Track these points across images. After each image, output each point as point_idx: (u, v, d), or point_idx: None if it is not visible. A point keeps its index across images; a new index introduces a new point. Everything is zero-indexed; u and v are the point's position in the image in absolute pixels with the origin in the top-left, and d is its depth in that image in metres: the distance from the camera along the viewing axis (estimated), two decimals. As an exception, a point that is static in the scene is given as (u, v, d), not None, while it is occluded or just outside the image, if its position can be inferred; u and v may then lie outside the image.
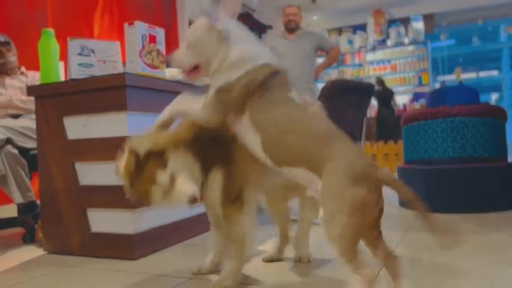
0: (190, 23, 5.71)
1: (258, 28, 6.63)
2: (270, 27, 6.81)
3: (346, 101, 2.39)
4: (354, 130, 2.53)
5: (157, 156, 1.21)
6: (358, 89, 2.43)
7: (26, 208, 2.30)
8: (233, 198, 1.30)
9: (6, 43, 2.65)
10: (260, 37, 6.91)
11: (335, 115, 2.44)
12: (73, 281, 1.59)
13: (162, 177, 1.20)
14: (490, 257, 1.65)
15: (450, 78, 9.74)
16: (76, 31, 3.86)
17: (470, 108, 2.62)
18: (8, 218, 2.56)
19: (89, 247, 1.91)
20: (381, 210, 1.12)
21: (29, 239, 2.30)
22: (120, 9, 4.55)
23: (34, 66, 3.08)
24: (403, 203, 2.83)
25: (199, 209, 1.91)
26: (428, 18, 8.24)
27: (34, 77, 2.76)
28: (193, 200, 1.21)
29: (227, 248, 1.45)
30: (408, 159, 2.88)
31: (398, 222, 2.43)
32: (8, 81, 2.69)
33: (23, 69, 2.81)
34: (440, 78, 9.66)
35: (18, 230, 2.49)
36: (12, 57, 2.69)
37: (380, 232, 1.16)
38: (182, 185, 1.21)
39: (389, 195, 3.36)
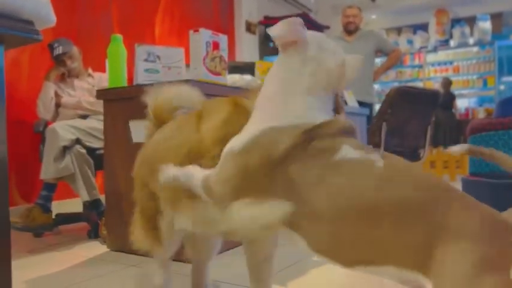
0: (247, 24, 5.75)
1: (315, 29, 6.54)
2: (327, 27, 6.71)
3: (410, 109, 2.29)
4: (419, 139, 2.43)
5: None
6: (423, 97, 2.32)
7: (91, 205, 2.41)
8: None
9: (65, 53, 2.74)
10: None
11: (399, 123, 2.36)
12: (137, 280, 1.64)
13: None
14: None
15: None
16: (139, 34, 4.01)
17: (547, 120, 2.42)
18: (74, 213, 2.70)
19: (150, 248, 1.97)
20: None
21: (93, 234, 2.42)
22: (180, 13, 4.67)
23: (100, 67, 3.24)
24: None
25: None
26: (496, 17, 7.75)
27: (100, 78, 2.89)
28: None
29: None
30: (475, 171, 2.71)
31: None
32: (77, 83, 2.84)
33: (90, 70, 2.94)
34: (505, 79, 9.08)
35: (83, 225, 2.62)
36: (74, 64, 2.80)
37: None
38: None
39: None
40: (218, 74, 1.99)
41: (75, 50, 2.81)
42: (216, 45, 1.98)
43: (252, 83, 2.19)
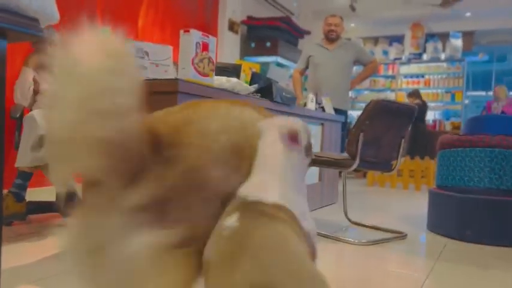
0: (230, 23, 5.76)
1: (296, 33, 6.63)
2: (308, 32, 6.80)
3: (388, 122, 2.39)
4: (392, 151, 2.53)
5: None
6: (401, 111, 2.42)
7: (67, 196, 2.38)
8: None
9: (47, 40, 2.69)
10: (297, 42, 6.91)
11: (375, 135, 2.46)
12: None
13: None
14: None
15: (481, 94, 9.55)
16: (122, 26, 3.95)
17: (511, 140, 2.58)
18: (46, 202, 2.66)
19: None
20: None
21: (66, 226, 2.39)
22: (164, 7, 4.64)
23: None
24: (431, 227, 2.82)
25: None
26: (468, 35, 8.08)
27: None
28: None
29: None
30: (441, 184, 2.86)
31: (428, 249, 2.42)
32: (57, 70, 2.79)
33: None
34: (470, 93, 9.48)
35: (56, 215, 2.58)
36: None
37: None
38: None
39: (418, 218, 3.34)
40: (206, 75, 2.01)
41: (57, 36, 2.76)
42: (205, 47, 2.01)
43: (238, 85, 2.22)
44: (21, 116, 2.64)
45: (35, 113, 2.35)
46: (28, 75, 2.65)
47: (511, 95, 7.03)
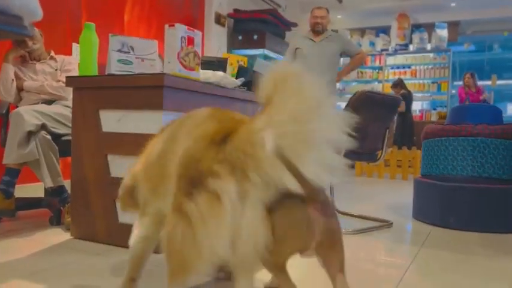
0: (217, 16, 5.75)
1: (283, 25, 6.63)
2: (295, 24, 6.81)
3: (372, 113, 2.43)
4: (377, 141, 2.58)
5: None
6: (385, 102, 2.46)
7: (55, 192, 2.39)
8: None
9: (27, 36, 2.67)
10: (285, 35, 6.91)
11: (360, 126, 2.49)
12: (102, 269, 1.67)
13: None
14: (499, 281, 1.70)
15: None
16: (108, 21, 3.93)
17: (493, 129, 2.64)
18: (34, 198, 2.66)
19: (116, 237, 1.99)
20: None
21: (55, 221, 2.40)
22: (150, 1, 4.61)
23: (65, 51, 3.16)
24: (416, 215, 2.88)
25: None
26: (453, 25, 8.17)
27: (63, 61, 2.83)
28: None
29: None
30: (426, 172, 2.92)
31: (413, 237, 2.48)
32: (39, 66, 2.76)
33: (53, 53, 2.86)
34: (457, 83, 9.60)
35: (44, 211, 2.59)
36: (36, 45, 2.73)
37: None
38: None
39: (404, 207, 3.39)
40: (192, 69, 2.03)
41: (36, 31, 2.73)
42: (190, 41, 2.02)
43: (224, 79, 2.24)
44: (7, 112, 2.63)
45: (22, 109, 2.34)
46: (9, 70, 2.62)
47: (479, 84, 7.16)
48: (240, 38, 6.30)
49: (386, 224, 2.63)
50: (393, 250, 2.12)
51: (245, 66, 2.86)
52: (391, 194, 4.17)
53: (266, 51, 6.29)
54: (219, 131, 1.04)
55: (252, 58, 3.84)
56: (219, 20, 5.80)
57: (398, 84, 7.25)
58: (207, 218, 0.94)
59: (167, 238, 1.03)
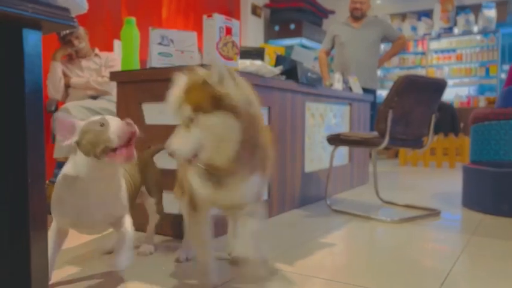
0: (253, 7, 5.73)
1: (320, 13, 6.52)
2: (332, 12, 6.68)
3: (417, 98, 2.34)
4: (423, 127, 2.48)
5: None
6: (430, 86, 2.36)
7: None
8: None
9: (72, 33, 2.74)
10: (322, 23, 6.80)
11: (404, 111, 2.41)
12: (139, 258, 1.72)
13: None
14: None
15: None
16: (146, 15, 4.01)
17: (549, 111, 2.48)
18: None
19: (163, 227, 2.04)
20: None
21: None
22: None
23: (107, 47, 3.25)
24: (466, 203, 2.76)
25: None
26: (501, 5, 7.72)
27: (107, 58, 2.92)
28: None
29: None
30: (476, 159, 2.78)
31: (463, 225, 2.38)
32: (84, 63, 2.87)
33: (97, 51, 2.97)
34: (506, 67, 9.08)
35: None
36: (82, 44, 2.82)
37: None
38: None
39: (452, 195, 3.27)
40: (230, 59, 2.03)
41: (81, 30, 2.83)
42: (228, 31, 2.02)
43: (263, 68, 2.23)
44: (56, 109, 2.74)
45: (69, 105, 2.43)
46: (57, 69, 2.74)
47: None
48: (277, 28, 6.25)
49: (433, 213, 2.54)
50: (442, 238, 2.04)
51: (283, 55, 2.83)
52: (438, 182, 4.02)
53: (303, 40, 6.22)
54: None
55: (289, 48, 3.80)
56: (255, 11, 5.78)
57: None
58: None
59: None
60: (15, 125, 0.90)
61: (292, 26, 6.14)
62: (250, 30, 5.69)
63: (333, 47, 4.39)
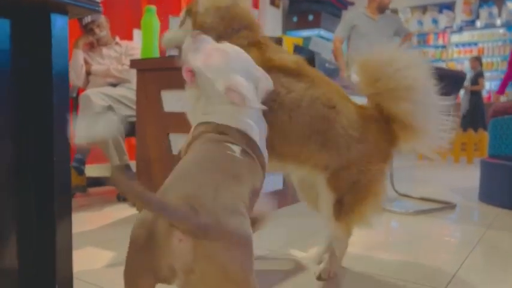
0: (272, -3, 5.71)
1: (340, 4, 6.46)
2: (352, 3, 6.61)
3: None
4: (440, 120, 2.46)
5: None
6: (449, 77, 2.34)
7: (121, 170, 2.53)
8: None
9: (93, 21, 2.79)
10: (341, 14, 6.73)
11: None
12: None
13: None
14: None
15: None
16: (165, 3, 4.03)
17: None
18: (103, 177, 2.83)
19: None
20: None
21: (122, 197, 2.55)
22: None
23: (127, 36, 3.29)
24: (483, 197, 2.74)
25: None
26: (526, -3, 7.53)
27: (127, 47, 2.96)
28: None
29: None
30: (494, 153, 2.75)
31: (479, 218, 2.37)
32: (105, 51, 2.91)
33: (117, 39, 3.01)
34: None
35: (112, 189, 2.75)
36: (103, 32, 2.87)
37: None
38: None
39: (469, 189, 3.24)
40: (249, 48, 2.04)
41: (103, 18, 2.87)
42: (247, 20, 2.03)
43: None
44: (77, 95, 2.80)
45: (89, 92, 2.48)
46: (79, 56, 2.79)
47: None
48: (295, 19, 6.22)
49: (449, 206, 2.53)
50: (458, 230, 2.04)
51: (300, 45, 2.83)
52: (455, 177, 3.99)
53: (322, 32, 6.17)
54: None
55: (307, 39, 3.79)
56: (273, 1, 5.76)
57: (478, 59, 6.86)
58: None
59: None
60: (44, 105, 0.94)
61: (311, 17, 6.11)
62: (269, 21, 5.68)
63: (348, 36, 4.32)
